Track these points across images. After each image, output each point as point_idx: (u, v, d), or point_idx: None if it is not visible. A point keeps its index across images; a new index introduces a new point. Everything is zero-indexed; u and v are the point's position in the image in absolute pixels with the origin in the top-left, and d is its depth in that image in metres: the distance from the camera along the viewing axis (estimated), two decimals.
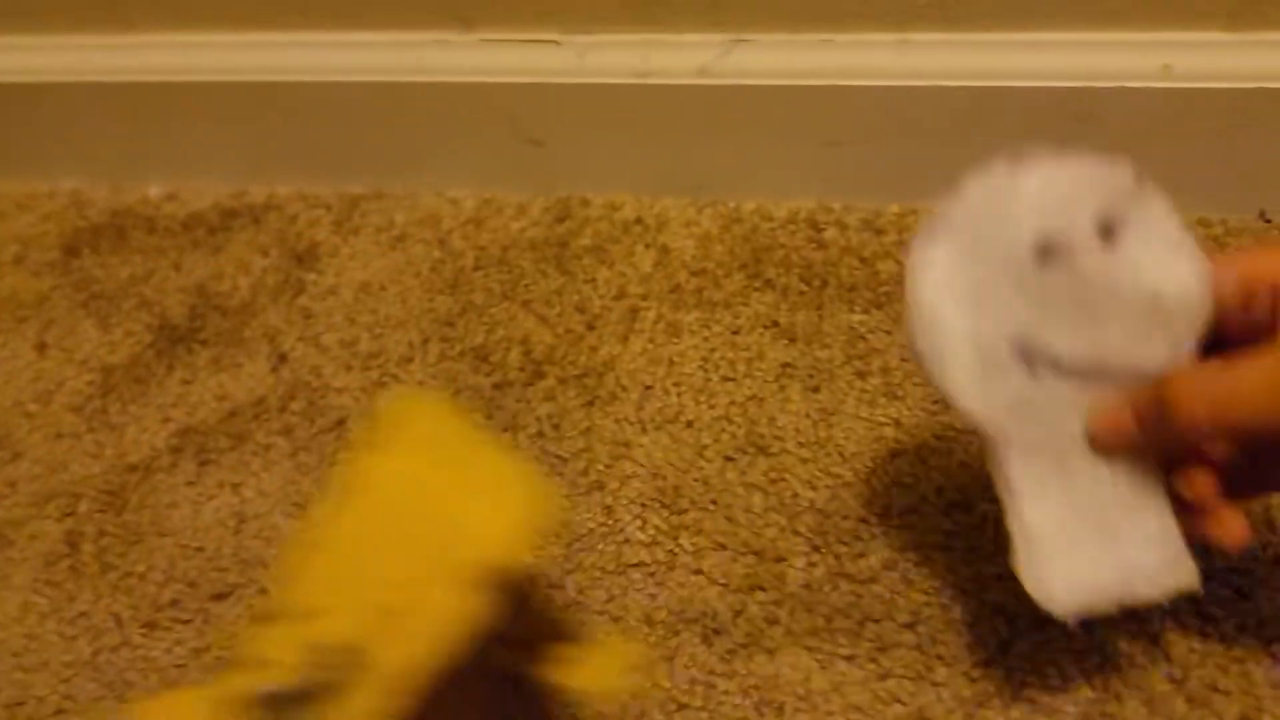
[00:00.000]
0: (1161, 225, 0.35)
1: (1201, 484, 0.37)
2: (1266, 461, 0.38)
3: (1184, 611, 0.42)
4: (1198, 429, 0.34)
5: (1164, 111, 0.53)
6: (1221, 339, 0.36)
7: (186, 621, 0.49)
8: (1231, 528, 0.37)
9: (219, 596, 0.50)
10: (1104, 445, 0.37)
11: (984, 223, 0.36)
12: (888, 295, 0.56)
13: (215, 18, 0.64)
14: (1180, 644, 0.42)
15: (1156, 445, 0.36)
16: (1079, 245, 0.35)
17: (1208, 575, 0.43)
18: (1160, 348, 0.36)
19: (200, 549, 0.52)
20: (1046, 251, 0.35)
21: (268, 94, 0.65)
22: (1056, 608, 0.36)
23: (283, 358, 0.59)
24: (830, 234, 0.59)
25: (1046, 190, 0.35)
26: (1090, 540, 0.37)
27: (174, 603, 0.50)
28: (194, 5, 0.64)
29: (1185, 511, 0.37)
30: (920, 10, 0.54)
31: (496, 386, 0.56)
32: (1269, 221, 0.55)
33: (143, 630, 0.49)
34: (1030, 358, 0.36)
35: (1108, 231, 0.35)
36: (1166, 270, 0.35)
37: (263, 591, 0.50)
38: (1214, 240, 0.55)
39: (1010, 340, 0.36)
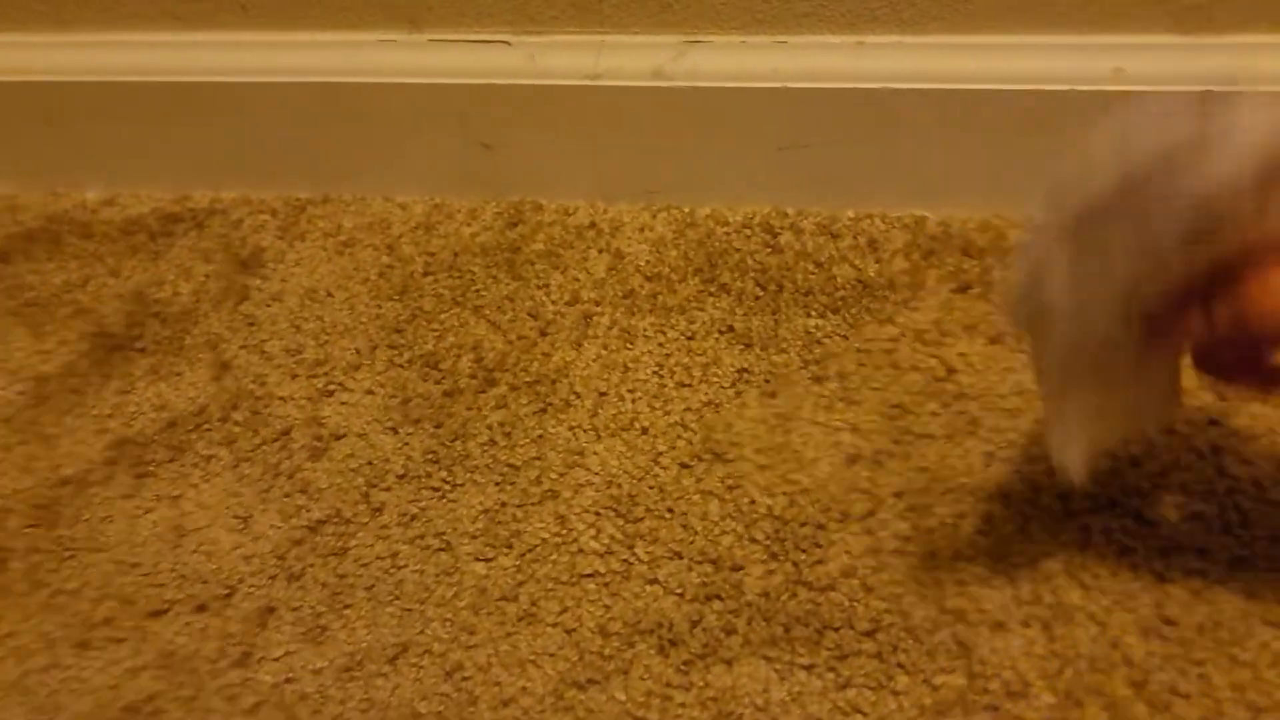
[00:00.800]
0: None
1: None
2: None
3: (1144, 615, 0.42)
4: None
5: None
6: None
7: (121, 640, 0.47)
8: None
9: (156, 614, 0.48)
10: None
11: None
12: (843, 300, 0.55)
13: (154, 16, 0.63)
14: (1139, 648, 0.41)
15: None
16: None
17: (1167, 580, 0.42)
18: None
19: (136, 565, 0.50)
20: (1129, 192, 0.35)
21: (210, 96, 0.63)
22: (1070, 476, 0.40)
23: (225, 366, 0.57)
24: (786, 238, 0.59)
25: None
26: (1110, 420, 0.40)
27: (108, 621, 0.48)
28: (131, 3, 0.62)
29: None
30: (874, 13, 0.54)
31: (447, 394, 0.54)
32: None
33: (74, 650, 0.47)
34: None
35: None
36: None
37: (201, 609, 0.48)
38: None
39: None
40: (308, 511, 0.51)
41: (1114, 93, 0.52)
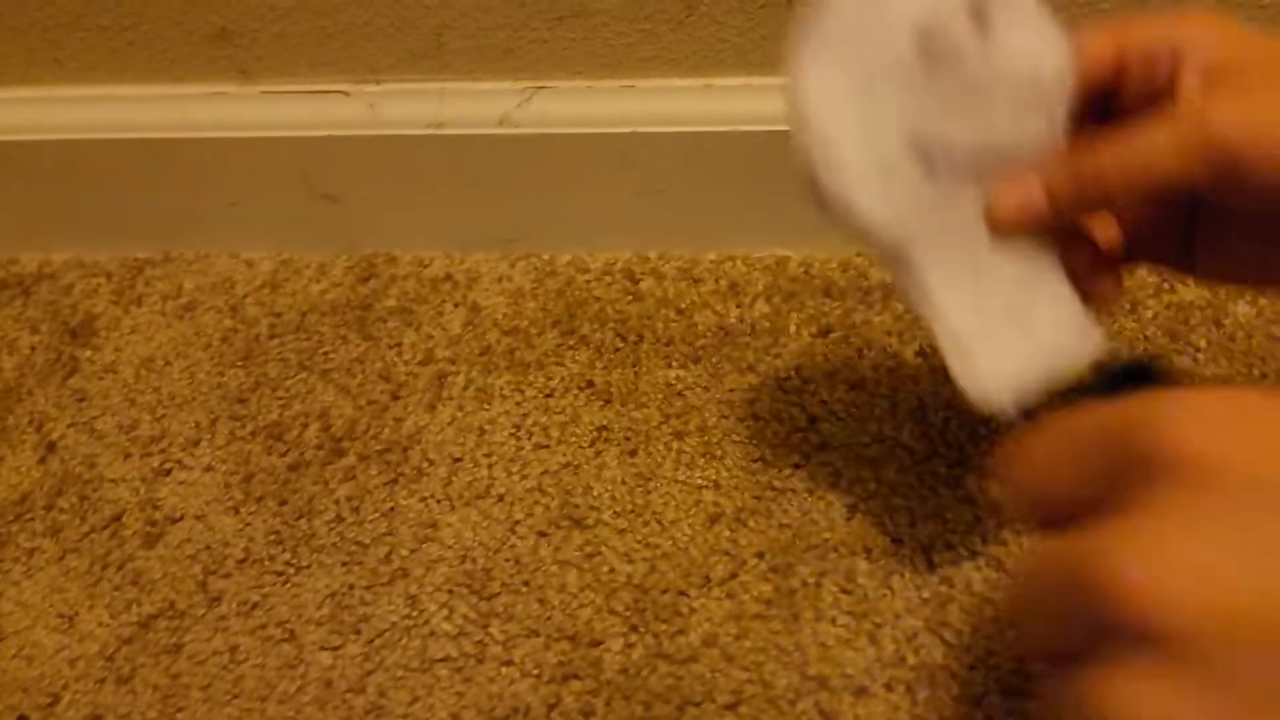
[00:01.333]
0: (1024, 8, 0.35)
1: (1093, 252, 0.37)
2: (1165, 223, 0.37)
3: (1004, 672, 0.41)
4: (1125, 193, 0.34)
5: None
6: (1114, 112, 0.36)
7: None
8: (1105, 289, 0.37)
9: None
10: (1013, 224, 0.36)
11: (858, 27, 0.34)
12: (704, 348, 0.54)
13: None
14: (1002, 706, 0.40)
15: (1071, 214, 0.36)
16: (956, 32, 0.34)
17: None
18: (1041, 123, 0.35)
19: None
20: (927, 43, 0.34)
21: (32, 153, 0.59)
22: (991, 401, 0.35)
23: (51, 447, 0.54)
24: (647, 284, 0.57)
25: None
26: (1007, 331, 0.36)
27: None
28: None
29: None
30: (719, 56, 0.53)
31: (291, 467, 0.51)
32: None
33: None
34: (926, 155, 0.35)
35: (980, 16, 0.34)
36: (1038, 48, 0.35)
37: None
38: None
39: (904, 139, 0.34)
40: (139, 605, 0.47)
41: None
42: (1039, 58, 0.34)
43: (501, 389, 0.53)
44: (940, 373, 0.50)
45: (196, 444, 0.53)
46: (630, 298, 0.57)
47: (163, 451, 0.53)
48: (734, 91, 0.54)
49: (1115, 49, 0.35)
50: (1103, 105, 0.36)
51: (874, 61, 0.34)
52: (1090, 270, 0.37)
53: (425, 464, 0.51)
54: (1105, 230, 0.38)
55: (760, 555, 0.46)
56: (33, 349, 0.58)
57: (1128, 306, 0.52)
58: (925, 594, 0.44)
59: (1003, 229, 0.36)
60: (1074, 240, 0.37)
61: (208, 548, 0.49)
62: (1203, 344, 0.50)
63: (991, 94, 0.34)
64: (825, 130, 0.34)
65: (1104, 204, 0.36)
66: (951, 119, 0.34)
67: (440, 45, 0.54)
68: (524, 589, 0.46)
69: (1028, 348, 0.36)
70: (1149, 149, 0.33)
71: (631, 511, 0.48)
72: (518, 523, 0.48)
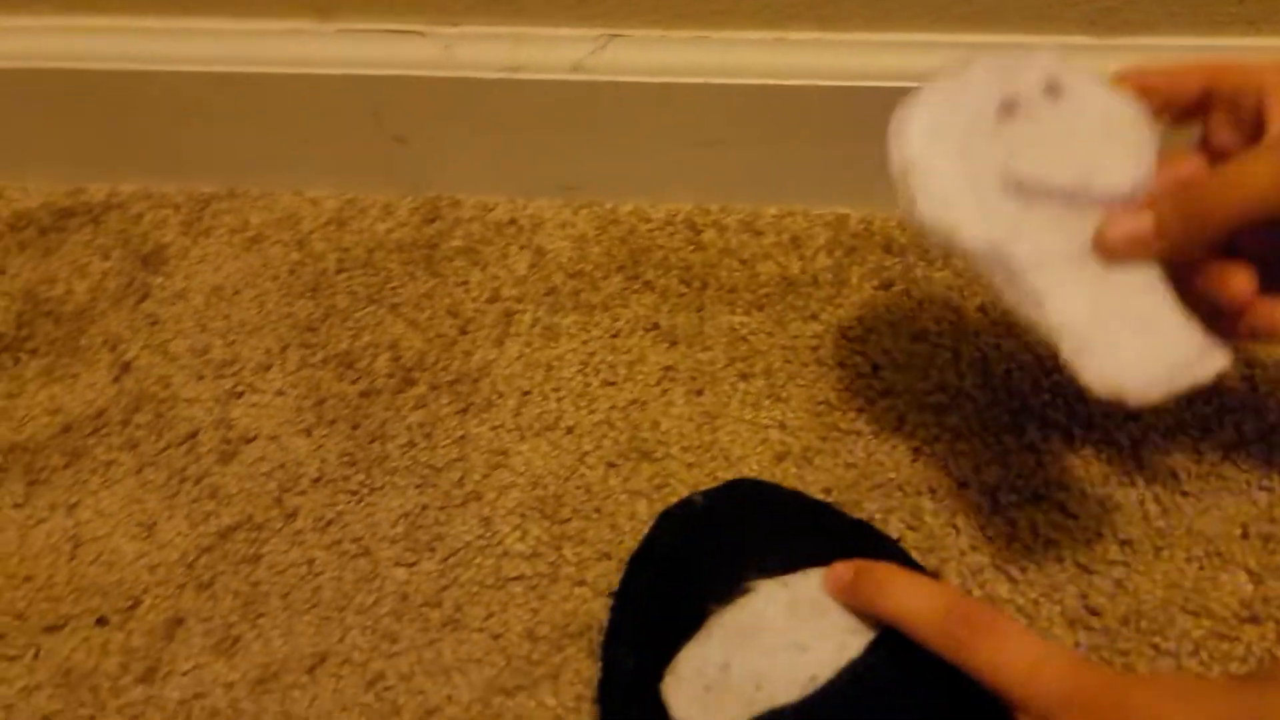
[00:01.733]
0: (1092, 80, 0.40)
1: (1240, 279, 0.38)
2: None
3: (1070, 605, 0.43)
4: (1229, 220, 0.37)
5: None
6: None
7: (14, 658, 0.44)
8: (1273, 316, 0.38)
9: (51, 629, 0.45)
10: (1124, 254, 0.38)
11: (953, 95, 0.39)
12: (768, 296, 0.55)
13: None
14: (1067, 638, 0.42)
15: (1183, 248, 0.38)
16: (1034, 100, 0.39)
17: (1091, 570, 0.43)
18: (1128, 162, 0.39)
19: (29, 578, 0.47)
20: (1009, 108, 0.39)
21: (105, 84, 0.60)
22: (1125, 394, 0.36)
23: (126, 367, 0.55)
24: (709, 235, 0.58)
25: (999, 66, 0.40)
26: (1128, 333, 0.37)
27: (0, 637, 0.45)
28: None
29: (1215, 314, 0.38)
30: (793, 9, 0.54)
31: (363, 394, 0.52)
32: None
33: None
34: (1022, 191, 0.38)
35: (1053, 90, 0.39)
36: (1107, 101, 0.40)
37: (102, 623, 0.45)
38: None
39: (999, 181, 0.38)
40: (217, 518, 0.48)
41: None
42: (1110, 106, 0.40)
43: (568, 328, 0.54)
44: (1003, 326, 0.51)
45: (268, 369, 0.54)
46: (693, 247, 0.58)
47: (235, 375, 0.54)
48: (805, 46, 0.55)
49: (1204, 82, 0.40)
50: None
51: (968, 128, 0.39)
52: (1241, 297, 0.38)
53: (495, 395, 0.52)
54: (1238, 276, 0.38)
55: (826, 491, 0.47)
56: (104, 274, 0.59)
57: None
58: (990, 533, 0.45)
59: (1113, 257, 0.38)
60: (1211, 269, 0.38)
61: (282, 466, 0.50)
62: None
63: (1073, 140, 0.39)
64: (928, 173, 0.38)
65: (1211, 236, 0.37)
66: (1040, 162, 0.38)
67: None
68: (595, 515, 0.47)
69: (1148, 348, 0.37)
70: (1250, 179, 0.36)
71: (699, 447, 0.49)
72: (587, 453, 0.49)
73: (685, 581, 0.40)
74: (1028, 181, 0.38)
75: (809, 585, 0.37)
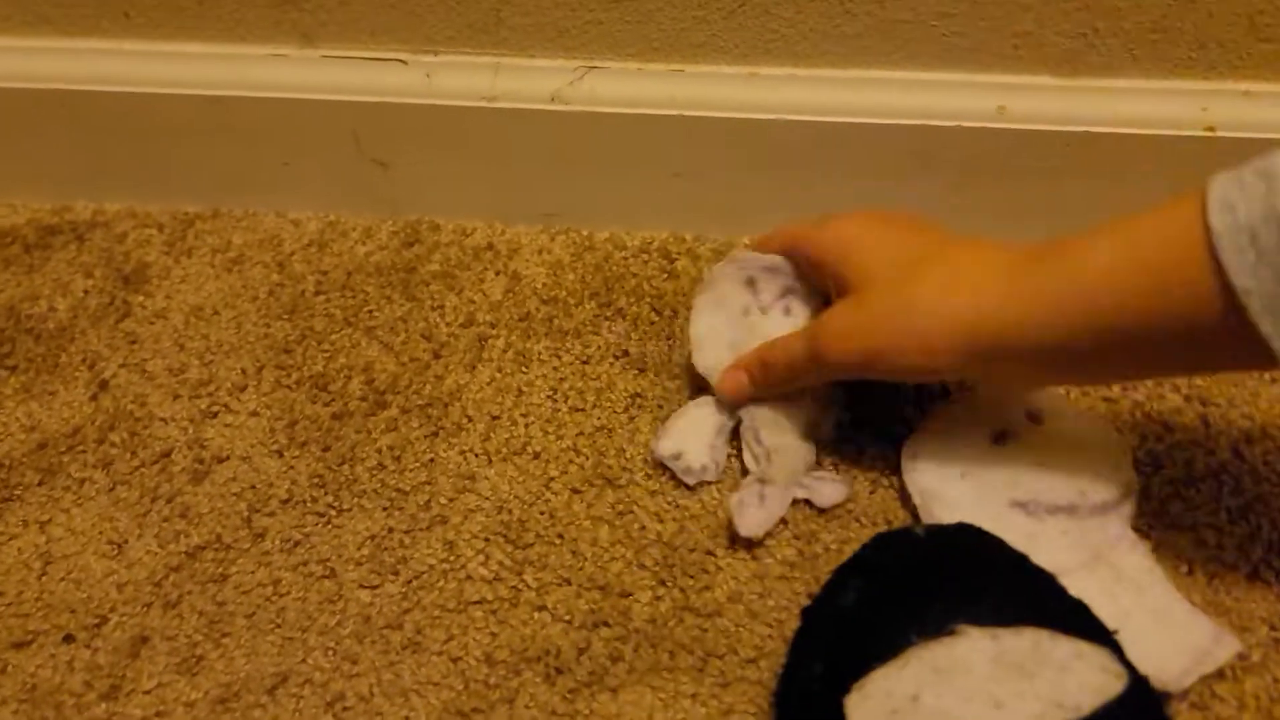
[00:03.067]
0: (1064, 405, 0.50)
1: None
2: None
3: None
4: (785, 385, 0.48)
5: (997, 151, 0.54)
6: None
7: None
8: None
9: (18, 645, 0.46)
10: (732, 401, 0.50)
11: (950, 430, 0.48)
12: None
13: (29, 21, 0.60)
14: None
15: (769, 394, 0.49)
16: (1021, 426, 0.48)
17: None
18: (1112, 474, 0.46)
19: None
20: (1000, 437, 0.47)
21: (95, 104, 0.61)
22: (1165, 686, 0.40)
23: (103, 385, 0.55)
24: (682, 264, 0.59)
25: (987, 401, 0.49)
26: (1152, 627, 0.42)
27: None
28: (3, 6, 0.60)
29: None
30: (767, 45, 0.55)
31: (336, 416, 0.53)
32: None
33: None
34: (1025, 508, 0.45)
35: (1034, 417, 0.48)
36: (1077, 421, 0.49)
37: (69, 640, 0.46)
38: None
39: (1005, 497, 0.45)
40: (187, 537, 0.49)
41: (998, 129, 0.54)
42: (1082, 425, 0.48)
43: (540, 354, 0.55)
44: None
45: (243, 389, 0.55)
46: (666, 275, 0.59)
47: (210, 395, 0.55)
48: (779, 81, 0.56)
49: (782, 250, 0.51)
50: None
51: (969, 455, 0.47)
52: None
53: (465, 420, 0.53)
54: None
55: (784, 522, 0.48)
56: (86, 292, 0.60)
57: None
58: None
59: (728, 403, 0.50)
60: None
61: (253, 487, 0.51)
62: None
63: (1060, 460, 0.46)
64: (941, 499, 0.46)
65: (782, 389, 0.48)
66: (1038, 487, 0.45)
67: (499, 20, 0.56)
68: (557, 541, 0.48)
69: (1171, 641, 0.42)
70: (792, 355, 0.46)
71: (662, 474, 0.50)
72: (552, 479, 0.50)
73: (892, 605, 0.39)
74: (1030, 504, 0.45)
75: (1019, 645, 0.36)
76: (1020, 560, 0.40)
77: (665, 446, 0.49)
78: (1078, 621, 0.38)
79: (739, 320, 0.51)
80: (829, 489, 0.48)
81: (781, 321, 0.50)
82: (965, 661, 0.36)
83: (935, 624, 0.37)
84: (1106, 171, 0.54)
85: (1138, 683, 0.36)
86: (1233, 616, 0.43)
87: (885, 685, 0.36)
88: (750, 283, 0.51)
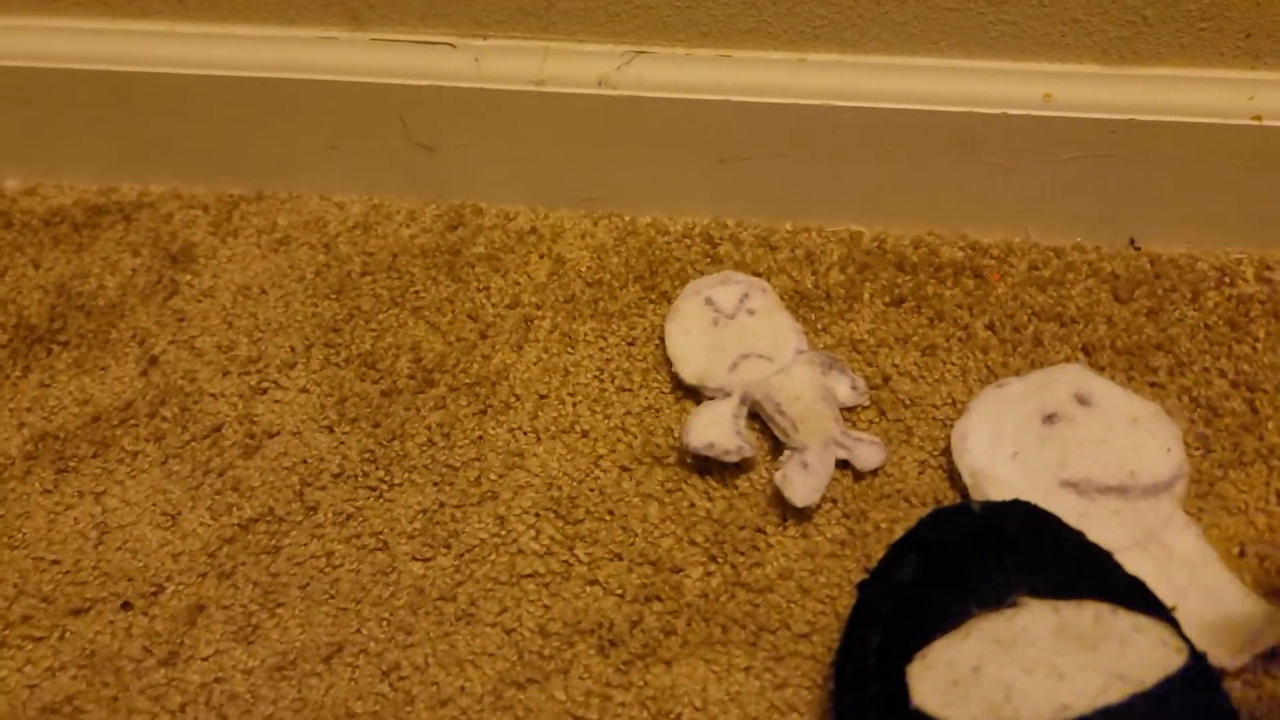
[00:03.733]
0: (1112, 387, 0.49)
1: None
2: None
3: None
4: None
5: (1043, 138, 0.55)
6: None
7: (40, 639, 0.46)
8: None
9: (77, 612, 0.47)
10: None
11: (1000, 410, 0.49)
12: None
13: (82, 2, 0.61)
14: None
15: None
16: (1069, 409, 0.48)
17: None
18: (1163, 455, 0.46)
19: (56, 562, 0.48)
20: (1049, 419, 0.47)
21: (141, 86, 0.62)
22: (1220, 664, 0.41)
23: (153, 361, 0.56)
24: (725, 249, 0.60)
25: (1033, 384, 0.50)
26: (1206, 608, 0.43)
27: (26, 619, 0.46)
28: None
29: None
30: (816, 32, 0.55)
31: (385, 394, 0.54)
32: (1138, 249, 0.57)
33: None
34: (1076, 488, 0.45)
35: (1083, 400, 0.48)
36: (1129, 403, 0.48)
37: (126, 607, 0.47)
38: (1088, 265, 0.57)
39: (1054, 477, 0.46)
40: (239, 509, 0.50)
41: (1043, 117, 0.54)
42: (1134, 407, 0.48)
43: (586, 335, 0.56)
44: (1010, 345, 0.52)
45: (292, 367, 0.55)
46: (709, 259, 0.59)
47: (259, 371, 0.55)
48: (826, 67, 0.56)
49: None
50: None
51: (1019, 436, 0.47)
52: None
53: (512, 398, 0.53)
54: None
55: (834, 501, 0.48)
56: (134, 270, 0.61)
57: (1189, 295, 0.54)
58: None
59: None
60: None
61: (304, 461, 0.51)
62: (1261, 334, 0.52)
63: (1110, 440, 0.46)
64: (993, 478, 0.47)
65: None
66: (1088, 466, 0.46)
67: (549, 5, 0.57)
68: (608, 517, 0.48)
69: (1224, 621, 0.43)
70: None
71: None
72: (601, 457, 0.51)
73: (952, 577, 0.39)
74: (1081, 483, 0.45)
75: (1082, 617, 0.36)
76: (1077, 536, 0.40)
77: (695, 439, 0.49)
78: (1136, 596, 0.38)
79: (710, 329, 0.54)
80: (867, 451, 0.48)
81: (749, 321, 0.54)
82: (1027, 633, 0.36)
83: (995, 596, 0.37)
84: (1152, 159, 0.54)
85: (1197, 658, 0.36)
86: None
87: (947, 655, 0.37)
88: (709, 301, 0.55)
